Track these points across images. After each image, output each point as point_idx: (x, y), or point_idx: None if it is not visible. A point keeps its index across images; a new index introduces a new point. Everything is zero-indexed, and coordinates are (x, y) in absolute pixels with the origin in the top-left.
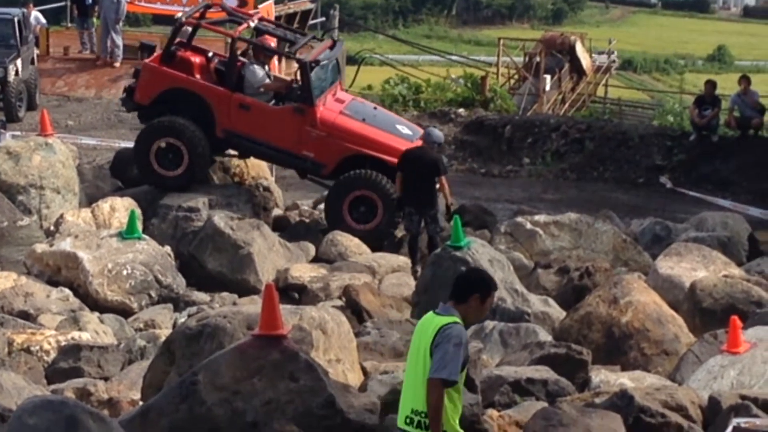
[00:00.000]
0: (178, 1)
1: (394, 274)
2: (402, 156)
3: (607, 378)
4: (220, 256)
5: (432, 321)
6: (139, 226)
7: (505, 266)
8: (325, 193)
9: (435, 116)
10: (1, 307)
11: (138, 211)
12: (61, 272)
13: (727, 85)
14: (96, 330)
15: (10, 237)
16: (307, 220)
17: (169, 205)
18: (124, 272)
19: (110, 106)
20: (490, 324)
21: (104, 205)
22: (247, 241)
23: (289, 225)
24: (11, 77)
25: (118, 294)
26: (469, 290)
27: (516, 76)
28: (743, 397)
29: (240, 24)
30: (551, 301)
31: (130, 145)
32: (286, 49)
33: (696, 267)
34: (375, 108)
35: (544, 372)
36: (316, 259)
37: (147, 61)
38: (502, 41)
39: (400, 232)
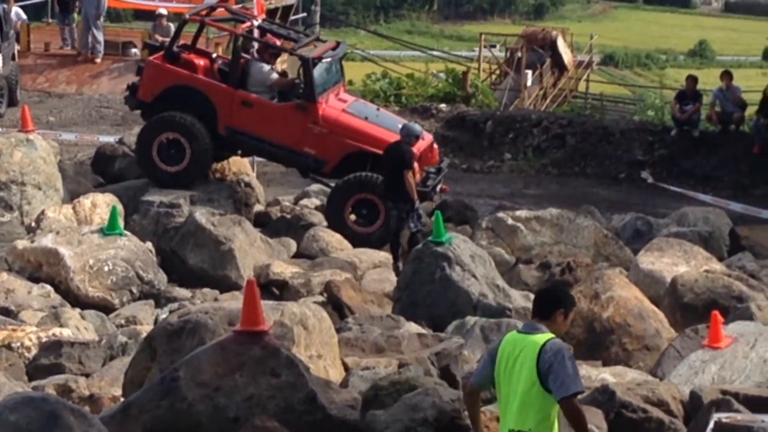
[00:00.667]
0: None
1: (376, 269)
2: (384, 151)
3: (588, 373)
4: (202, 252)
5: (525, 340)
6: (121, 222)
7: (487, 262)
8: (308, 188)
9: (416, 111)
10: None
11: (119, 207)
12: (42, 268)
13: (709, 80)
14: (77, 326)
15: None
16: (289, 216)
17: (151, 201)
18: (106, 268)
19: (91, 102)
20: (471, 320)
21: (85, 201)
22: (228, 237)
23: (270, 221)
24: None
25: (99, 290)
26: (554, 306)
27: (497, 72)
28: (724, 392)
29: (243, 23)
30: (532, 296)
31: (111, 139)
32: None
33: (677, 262)
34: (378, 109)
35: None
36: (297, 255)
37: (151, 58)
38: (483, 36)
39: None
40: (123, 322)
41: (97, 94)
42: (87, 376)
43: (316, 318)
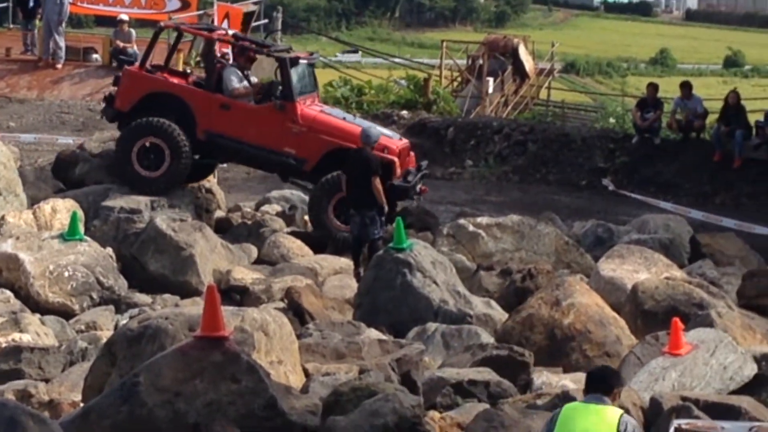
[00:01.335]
0: (120, 2)
1: (336, 276)
2: (346, 158)
3: (549, 380)
4: (162, 258)
5: (600, 411)
6: (81, 227)
7: (448, 268)
8: (269, 195)
9: (378, 118)
10: None
11: (80, 213)
12: (2, 274)
13: (670, 88)
14: (37, 332)
15: None
16: (250, 222)
17: (111, 206)
18: (66, 274)
19: (52, 107)
20: (432, 326)
21: (46, 206)
22: (189, 242)
23: (231, 227)
24: None
25: (59, 296)
26: (615, 383)
27: (459, 79)
28: (684, 399)
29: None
30: (493, 303)
31: (69, 141)
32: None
33: (638, 269)
34: (354, 116)
35: (486, 374)
36: (258, 261)
37: (127, 68)
38: (445, 44)
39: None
40: (83, 327)
41: (59, 100)
42: (47, 381)
43: (277, 324)
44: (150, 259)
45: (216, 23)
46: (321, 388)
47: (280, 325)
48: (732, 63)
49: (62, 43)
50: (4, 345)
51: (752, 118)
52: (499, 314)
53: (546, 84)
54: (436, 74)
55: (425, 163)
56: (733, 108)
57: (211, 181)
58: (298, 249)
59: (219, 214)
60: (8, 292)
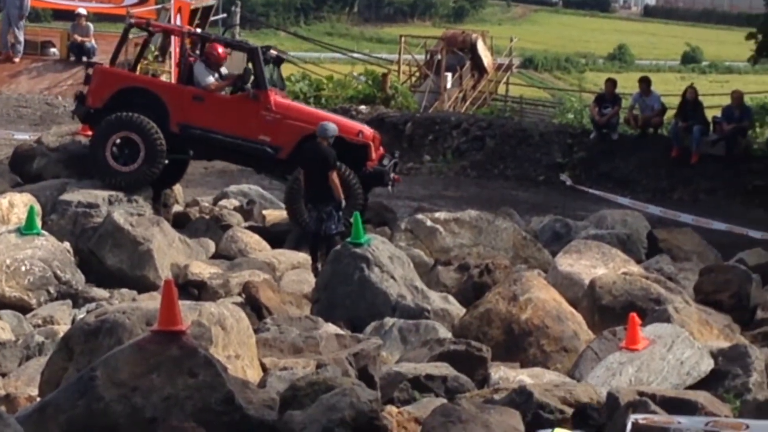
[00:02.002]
0: None
1: (294, 270)
2: (302, 152)
3: (506, 374)
4: (120, 253)
5: None
6: (38, 222)
7: (405, 263)
8: (227, 189)
9: (336, 113)
10: None
11: (37, 207)
12: None
13: (628, 84)
14: None
15: None
16: (207, 217)
17: (69, 201)
18: (23, 268)
19: (9, 101)
20: (389, 321)
21: (3, 200)
22: (146, 237)
23: (189, 221)
24: None
25: (16, 290)
26: None
27: (417, 74)
28: (641, 394)
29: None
30: (451, 298)
31: (26, 137)
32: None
33: (595, 264)
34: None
35: (443, 368)
36: (216, 256)
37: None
38: (403, 39)
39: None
40: (40, 322)
41: (16, 94)
42: (3, 375)
43: (234, 318)
44: (107, 254)
45: (172, 18)
46: (278, 383)
47: (238, 319)
48: (690, 59)
49: (21, 38)
50: None
51: (710, 114)
52: (457, 309)
53: (504, 79)
54: (394, 69)
55: (397, 153)
56: (690, 104)
57: None
58: (255, 244)
59: (177, 208)
60: None
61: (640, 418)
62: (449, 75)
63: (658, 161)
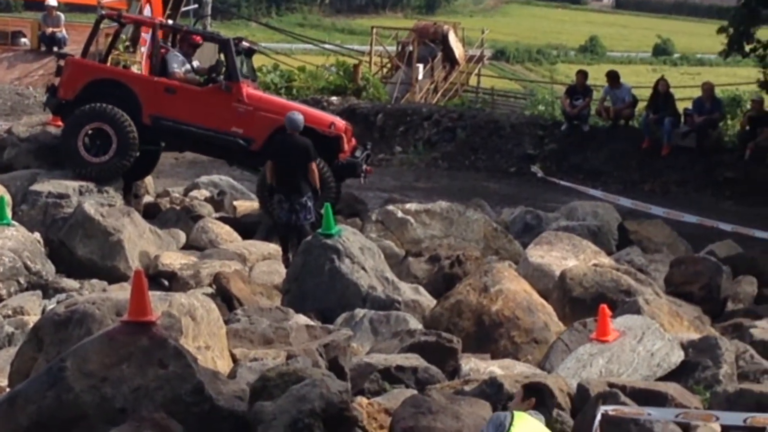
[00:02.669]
0: None
1: (265, 261)
2: (273, 144)
3: (476, 366)
4: (90, 243)
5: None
6: (8, 212)
7: (376, 254)
8: (197, 180)
9: (307, 104)
10: None
11: (7, 197)
12: None
13: (599, 76)
14: None
15: None
16: (178, 208)
17: (39, 191)
18: None
19: None
20: (360, 312)
21: None
22: (117, 227)
23: (159, 212)
24: None
25: None
26: None
27: (389, 65)
28: (611, 385)
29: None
30: (422, 289)
31: None
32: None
33: (566, 256)
34: None
35: (414, 360)
36: (186, 247)
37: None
38: (375, 30)
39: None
40: (10, 312)
41: None
42: None
43: (205, 309)
44: (78, 244)
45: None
46: (248, 374)
47: (208, 310)
48: (661, 51)
49: None
50: None
51: (681, 106)
52: (428, 300)
53: (476, 71)
54: (366, 60)
55: (369, 144)
56: (662, 96)
57: None
58: (226, 234)
59: (147, 199)
60: None
61: (610, 409)
62: (421, 66)
63: (629, 153)
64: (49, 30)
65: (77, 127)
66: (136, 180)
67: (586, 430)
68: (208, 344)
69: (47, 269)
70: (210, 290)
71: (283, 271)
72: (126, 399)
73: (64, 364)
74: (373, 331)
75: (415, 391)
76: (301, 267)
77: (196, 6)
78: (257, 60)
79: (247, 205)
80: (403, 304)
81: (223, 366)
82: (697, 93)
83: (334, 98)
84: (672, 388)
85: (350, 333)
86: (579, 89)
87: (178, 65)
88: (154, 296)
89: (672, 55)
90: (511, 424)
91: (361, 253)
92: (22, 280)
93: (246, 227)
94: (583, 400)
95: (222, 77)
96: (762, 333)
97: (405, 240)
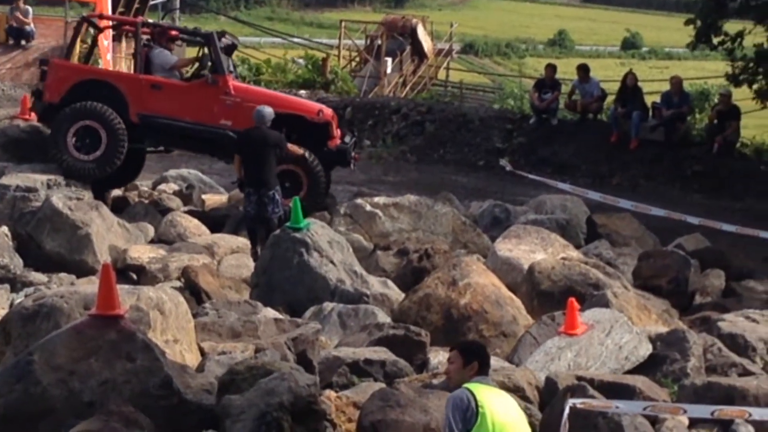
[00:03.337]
0: None
1: (233, 255)
2: (240, 137)
3: (445, 359)
4: (58, 237)
5: (504, 393)
6: None
7: (345, 248)
8: (166, 173)
9: None
10: None
11: None
12: None
13: (568, 70)
14: None
15: None
16: (147, 201)
17: (7, 185)
18: None
19: None
20: (328, 305)
21: None
22: (85, 221)
23: (128, 206)
24: None
25: None
26: None
27: (357, 59)
28: (580, 378)
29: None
30: (390, 282)
31: None
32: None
33: (534, 249)
34: None
35: (382, 353)
36: (155, 240)
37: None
38: (343, 24)
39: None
40: None
41: None
42: None
43: (173, 303)
44: (46, 238)
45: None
46: (217, 367)
47: (176, 303)
48: (629, 45)
49: None
50: None
51: (649, 100)
52: (396, 294)
53: (444, 64)
54: (334, 54)
55: (356, 131)
56: (630, 90)
57: None
58: (195, 228)
59: (116, 192)
60: None
61: (578, 402)
62: (389, 60)
63: (598, 147)
64: (17, 23)
65: (66, 125)
66: (122, 185)
67: (555, 424)
68: (177, 338)
69: (15, 263)
70: (178, 284)
71: (251, 264)
72: (94, 392)
73: (31, 358)
74: (341, 324)
75: (383, 385)
76: (269, 260)
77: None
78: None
79: (216, 198)
80: (371, 298)
81: (192, 359)
82: (666, 87)
83: (302, 92)
84: (640, 381)
85: (319, 326)
86: (547, 83)
87: (169, 59)
88: (122, 290)
89: (640, 48)
90: (477, 403)
91: (329, 246)
92: None
93: (214, 221)
94: (551, 393)
95: (207, 71)
96: (730, 326)
97: (373, 233)
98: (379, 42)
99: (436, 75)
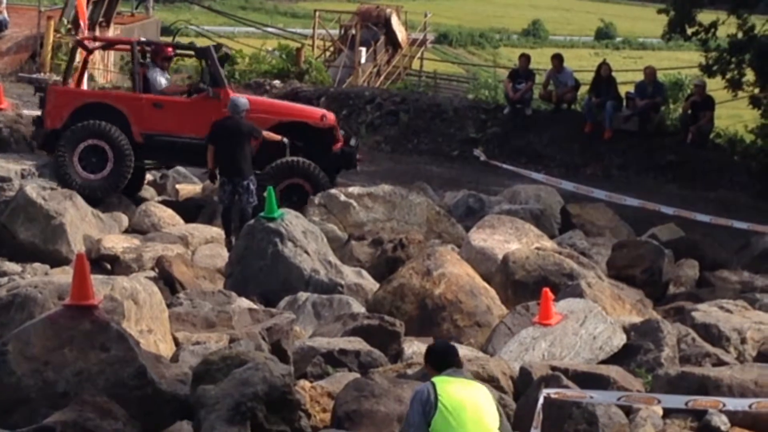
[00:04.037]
0: None
1: (208, 245)
2: (213, 128)
3: (419, 349)
4: (32, 227)
5: (474, 383)
6: None
7: (319, 238)
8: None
9: (250, 87)
10: None
11: None
12: None
13: (542, 60)
14: None
15: None
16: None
17: None
18: None
19: None
20: (303, 295)
21: None
22: (59, 211)
23: None
24: None
25: None
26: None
27: (331, 49)
28: (554, 368)
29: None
30: (365, 272)
31: None
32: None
33: (509, 239)
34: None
35: (356, 343)
36: (129, 230)
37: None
38: (317, 13)
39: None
40: None
41: None
42: None
43: (147, 293)
44: (20, 228)
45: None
46: (191, 357)
47: (151, 293)
48: (603, 35)
49: None
50: None
51: (623, 90)
52: (371, 284)
53: (418, 54)
54: (308, 44)
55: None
56: (604, 80)
57: None
58: (169, 218)
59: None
60: None
61: (552, 392)
62: (363, 50)
63: (572, 137)
64: None
65: (72, 144)
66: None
67: (529, 414)
68: (151, 328)
69: None
70: (153, 274)
71: (225, 254)
72: (68, 383)
73: (5, 348)
74: (316, 314)
75: (358, 375)
76: (243, 250)
77: None
78: (200, 44)
79: (190, 188)
80: (345, 288)
81: (166, 350)
82: (639, 77)
83: (276, 82)
84: (614, 371)
85: (293, 316)
86: (522, 73)
87: (161, 81)
88: (96, 280)
89: (614, 38)
90: (436, 393)
91: (303, 236)
92: None
93: (189, 210)
94: (525, 383)
95: (207, 85)
96: (703, 316)
97: (348, 223)
98: (353, 32)
99: (410, 65)
